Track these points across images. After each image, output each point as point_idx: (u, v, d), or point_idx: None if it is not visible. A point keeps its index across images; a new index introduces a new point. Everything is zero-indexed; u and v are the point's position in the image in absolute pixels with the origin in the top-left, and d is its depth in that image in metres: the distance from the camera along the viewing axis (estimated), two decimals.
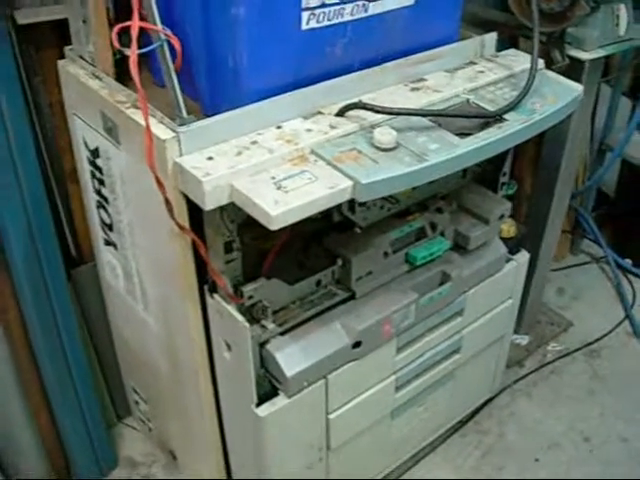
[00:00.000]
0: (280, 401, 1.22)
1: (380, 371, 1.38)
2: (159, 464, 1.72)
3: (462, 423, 1.81)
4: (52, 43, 1.34)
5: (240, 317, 1.15)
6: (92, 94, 1.17)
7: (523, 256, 1.60)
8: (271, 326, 1.21)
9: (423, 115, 1.12)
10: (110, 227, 1.37)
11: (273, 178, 0.99)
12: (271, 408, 1.21)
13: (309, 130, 1.08)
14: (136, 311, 1.43)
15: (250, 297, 1.17)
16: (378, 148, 1.05)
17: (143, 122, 0.99)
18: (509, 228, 1.70)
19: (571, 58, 1.51)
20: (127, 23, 0.99)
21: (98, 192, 1.35)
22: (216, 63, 1.07)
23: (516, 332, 2.09)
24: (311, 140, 1.06)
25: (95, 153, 1.28)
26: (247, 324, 1.14)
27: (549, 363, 2.02)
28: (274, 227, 0.93)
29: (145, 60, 1.11)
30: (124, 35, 1.01)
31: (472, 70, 1.32)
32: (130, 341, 1.57)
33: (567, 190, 1.85)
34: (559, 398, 1.91)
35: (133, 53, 0.95)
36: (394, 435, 1.54)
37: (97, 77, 1.19)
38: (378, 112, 1.09)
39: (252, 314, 1.20)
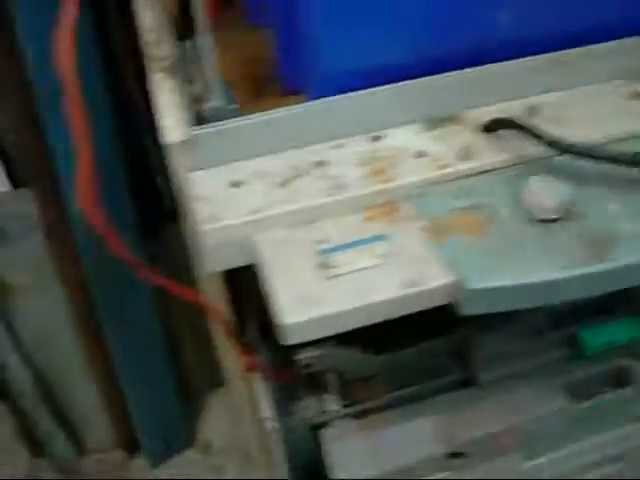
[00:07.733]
0: None
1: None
2: (237, 459, 1.48)
3: None
4: None
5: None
6: None
7: None
8: (334, 406, 0.84)
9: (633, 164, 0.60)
10: None
11: (324, 242, 0.58)
12: None
13: (421, 154, 0.63)
14: None
15: (307, 366, 0.80)
16: (529, 215, 0.59)
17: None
18: None
19: None
20: None
21: None
22: (291, 22, 0.65)
23: None
24: (415, 176, 0.62)
25: None
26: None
27: None
28: (286, 342, 0.54)
29: None
30: None
31: None
32: None
33: None
34: None
35: None
36: None
37: None
38: (549, 145, 0.60)
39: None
